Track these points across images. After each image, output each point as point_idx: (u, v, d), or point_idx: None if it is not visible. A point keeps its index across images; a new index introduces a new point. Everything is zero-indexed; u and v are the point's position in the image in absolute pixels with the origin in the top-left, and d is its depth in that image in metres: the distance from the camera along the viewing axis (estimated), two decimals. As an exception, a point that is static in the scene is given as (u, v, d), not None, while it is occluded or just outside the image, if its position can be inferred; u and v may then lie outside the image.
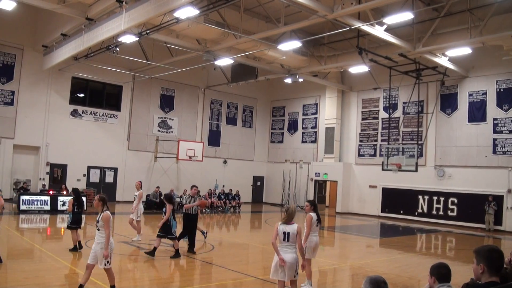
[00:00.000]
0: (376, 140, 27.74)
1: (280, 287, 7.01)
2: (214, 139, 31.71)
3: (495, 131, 22.41)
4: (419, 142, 23.88)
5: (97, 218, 7.62)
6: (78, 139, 25.48)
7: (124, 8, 15.84)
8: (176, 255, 11.39)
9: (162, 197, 24.98)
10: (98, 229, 7.56)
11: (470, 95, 23.55)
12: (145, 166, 28.14)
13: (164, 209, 11.65)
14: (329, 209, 30.78)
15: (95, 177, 26.40)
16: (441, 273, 3.91)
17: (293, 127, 33.07)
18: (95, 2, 17.43)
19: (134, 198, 14.68)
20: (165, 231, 11.41)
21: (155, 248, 11.30)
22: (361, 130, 28.65)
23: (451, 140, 24.15)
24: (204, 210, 25.75)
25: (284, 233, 6.93)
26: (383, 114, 27.29)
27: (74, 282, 8.63)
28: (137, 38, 18.63)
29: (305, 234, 8.52)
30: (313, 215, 8.68)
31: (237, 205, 27.45)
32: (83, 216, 14.30)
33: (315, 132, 31.41)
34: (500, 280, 3.63)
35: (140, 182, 15.40)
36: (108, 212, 7.56)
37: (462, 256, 15.20)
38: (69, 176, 25.20)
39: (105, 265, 7.37)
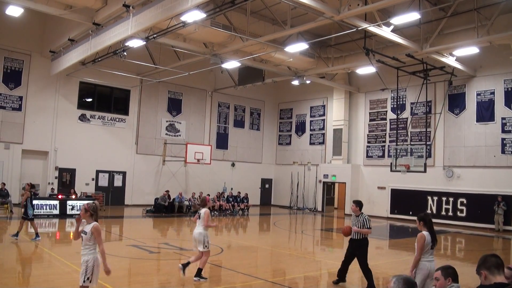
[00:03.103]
0: (384, 141, 27.64)
1: None
2: (222, 142, 31.75)
3: (503, 131, 22.26)
4: (428, 143, 23.76)
5: None
6: (86, 143, 25.59)
7: (131, 12, 15.92)
8: None
9: (173, 201, 25.26)
10: None
11: (478, 94, 23.42)
12: (153, 170, 28.24)
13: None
14: (338, 211, 30.72)
15: (103, 181, 26.49)
16: (455, 274, 4.23)
17: (300, 129, 33.04)
18: (102, 7, 17.53)
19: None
20: None
21: None
22: (369, 131, 28.56)
23: (459, 140, 24.02)
24: (213, 213, 25.81)
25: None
26: (391, 115, 27.19)
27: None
28: (144, 43, 18.74)
29: (415, 259, 6.67)
30: (426, 234, 6.70)
31: (245, 208, 27.45)
32: None
33: (323, 134, 31.36)
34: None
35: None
36: None
37: (471, 257, 15.08)
38: (78, 181, 25.33)
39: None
